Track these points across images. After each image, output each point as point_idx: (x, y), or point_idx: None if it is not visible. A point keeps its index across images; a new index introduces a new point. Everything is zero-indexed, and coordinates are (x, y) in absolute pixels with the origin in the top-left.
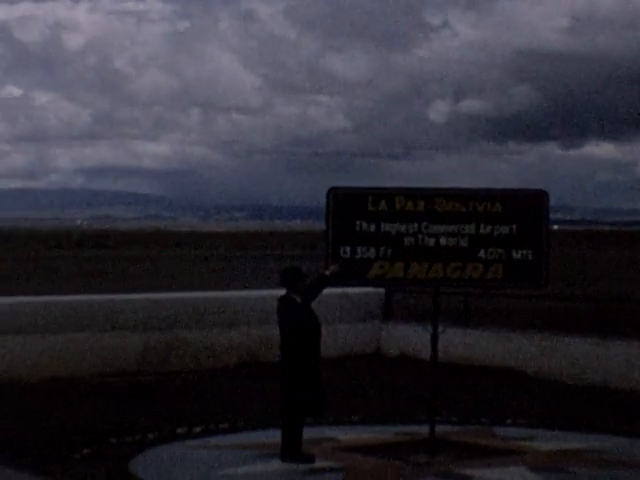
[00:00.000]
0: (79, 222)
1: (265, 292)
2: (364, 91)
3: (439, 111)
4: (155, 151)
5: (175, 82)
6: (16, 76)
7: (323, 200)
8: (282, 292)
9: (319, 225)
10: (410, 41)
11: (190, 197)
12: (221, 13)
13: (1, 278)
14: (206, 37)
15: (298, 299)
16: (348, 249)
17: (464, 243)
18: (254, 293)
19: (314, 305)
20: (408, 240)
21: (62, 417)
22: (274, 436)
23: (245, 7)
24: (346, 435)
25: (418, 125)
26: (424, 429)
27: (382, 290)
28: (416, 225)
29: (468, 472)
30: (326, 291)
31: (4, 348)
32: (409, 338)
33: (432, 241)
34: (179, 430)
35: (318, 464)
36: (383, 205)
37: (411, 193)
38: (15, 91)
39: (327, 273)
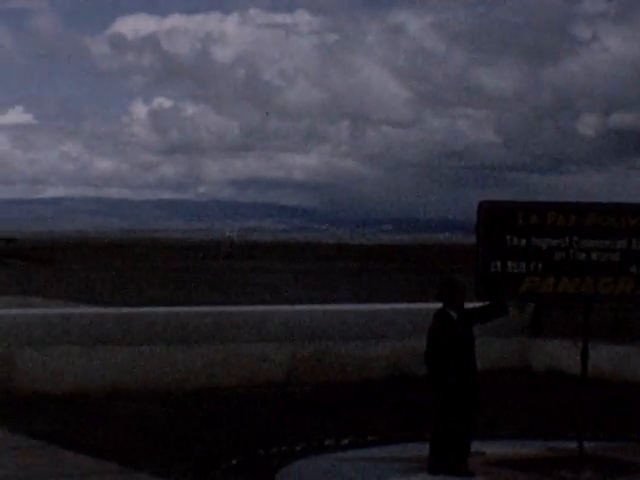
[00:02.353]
0: (228, 234)
1: (413, 305)
2: (512, 105)
3: (588, 125)
4: (304, 163)
5: (324, 95)
6: (166, 88)
7: (472, 213)
8: (431, 306)
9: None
10: (558, 55)
11: (338, 209)
12: (370, 26)
13: (152, 288)
14: (355, 50)
15: (454, 314)
16: (498, 264)
17: (615, 258)
18: (402, 306)
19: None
20: (559, 255)
21: (210, 427)
22: (421, 449)
23: (394, 20)
24: (493, 449)
25: (567, 139)
26: (572, 445)
27: (531, 304)
28: (567, 240)
29: None
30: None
31: (154, 358)
32: (558, 353)
33: (583, 256)
34: (327, 442)
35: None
36: (534, 219)
37: (562, 207)
38: (165, 102)
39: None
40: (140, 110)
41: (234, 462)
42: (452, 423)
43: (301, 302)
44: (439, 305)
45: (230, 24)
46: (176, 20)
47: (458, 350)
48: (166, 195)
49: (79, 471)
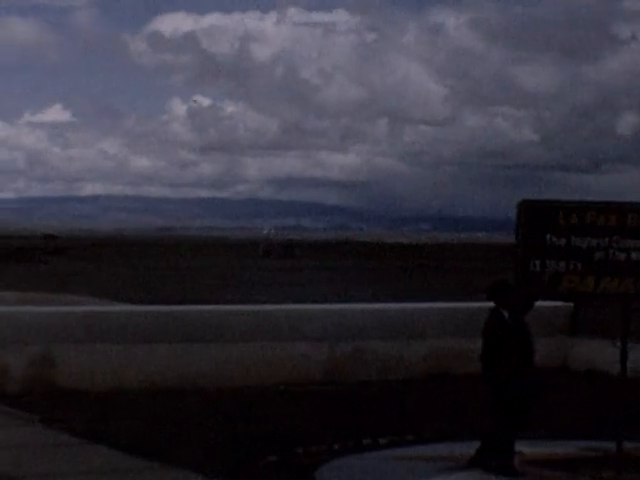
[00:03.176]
0: (266, 232)
1: (451, 304)
2: (551, 103)
3: (628, 124)
4: (342, 162)
5: (362, 93)
6: (204, 86)
7: (510, 212)
8: (469, 305)
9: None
10: (598, 53)
11: (377, 208)
12: (408, 25)
13: (190, 286)
14: (393, 48)
15: (506, 314)
16: (538, 263)
17: None
18: (440, 305)
19: None
20: (599, 254)
21: (248, 425)
22: (460, 449)
23: (432, 19)
24: (533, 449)
25: (606, 138)
26: (611, 445)
27: (570, 304)
28: (607, 240)
29: None
30: None
31: (192, 356)
32: (597, 353)
33: (623, 256)
34: (365, 441)
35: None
36: (574, 219)
37: (603, 207)
38: (204, 101)
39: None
40: (178, 108)
41: (272, 459)
42: (506, 422)
43: (339, 301)
44: (478, 304)
45: (269, 23)
46: (215, 18)
47: (512, 350)
48: (204, 193)
49: (116, 468)
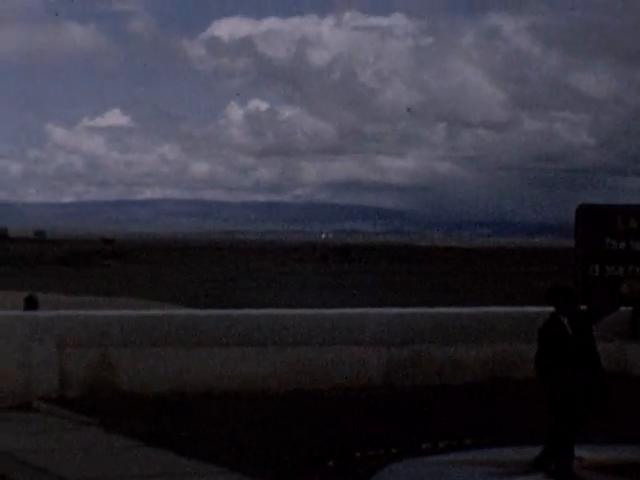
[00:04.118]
0: (324, 236)
1: (510, 308)
2: (609, 107)
3: None
4: (400, 166)
5: (420, 97)
6: (262, 90)
7: (569, 217)
8: (528, 309)
9: (564, 242)
10: None
11: (434, 212)
12: (465, 29)
13: (248, 290)
14: (450, 52)
15: (565, 320)
16: (597, 267)
17: None
18: (499, 309)
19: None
20: None
21: (306, 429)
22: (520, 453)
23: (489, 23)
24: (592, 454)
25: None
26: None
27: (629, 308)
28: None
29: None
30: None
31: (251, 360)
32: None
33: None
34: (423, 445)
35: None
36: (633, 223)
37: None
38: (261, 105)
39: None
40: (236, 113)
41: (331, 464)
42: (564, 428)
43: (397, 304)
44: (537, 309)
45: (326, 27)
46: (272, 23)
47: (570, 356)
48: (262, 197)
49: (175, 472)
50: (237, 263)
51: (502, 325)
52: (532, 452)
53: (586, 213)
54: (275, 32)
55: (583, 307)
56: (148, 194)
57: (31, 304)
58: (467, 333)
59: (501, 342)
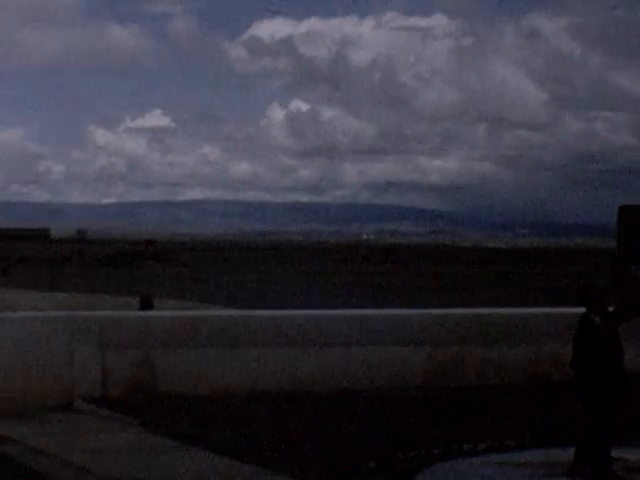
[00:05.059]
0: (365, 237)
1: (551, 309)
2: None
3: None
4: (441, 166)
5: (460, 97)
6: (302, 91)
7: (611, 217)
8: (569, 310)
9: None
10: None
11: (475, 213)
12: (505, 29)
13: (289, 290)
14: (491, 52)
15: (597, 319)
16: (638, 268)
17: None
18: (540, 310)
19: None
20: None
21: (348, 429)
22: (560, 455)
23: (529, 23)
24: (636, 456)
25: None
26: None
27: None
28: None
29: None
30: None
31: (294, 360)
32: None
33: None
34: (465, 446)
35: None
36: None
37: None
38: (302, 106)
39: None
40: (277, 113)
41: (372, 465)
42: (601, 429)
43: (439, 305)
44: (578, 310)
45: (366, 27)
46: (312, 24)
47: (604, 355)
48: (303, 198)
49: (217, 472)
50: (277, 263)
51: (542, 326)
52: (572, 454)
53: (627, 213)
54: (316, 33)
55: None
56: (190, 195)
57: (146, 304)
58: (508, 334)
59: (541, 343)
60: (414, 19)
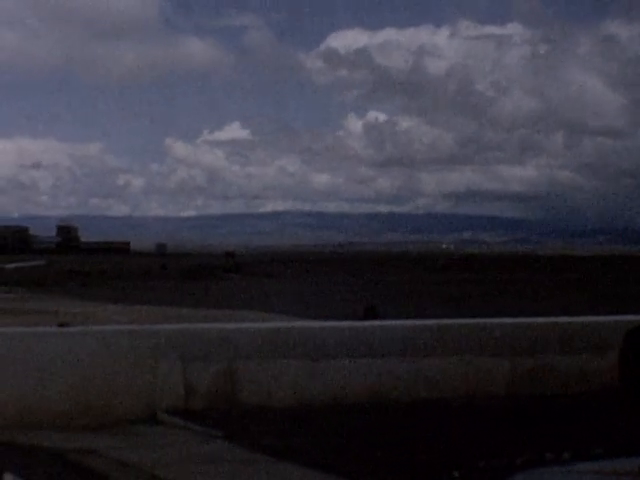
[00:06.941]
0: (444, 246)
1: (633, 317)
2: None
3: None
4: (520, 175)
5: (538, 105)
6: (379, 101)
7: None
8: None
9: None
10: None
11: (555, 221)
12: (581, 36)
13: (368, 300)
14: (568, 60)
15: None
16: None
17: None
18: (623, 318)
19: None
20: None
21: (431, 439)
22: None
23: (605, 30)
24: None
25: None
26: None
27: None
28: None
29: None
30: None
31: (375, 371)
32: None
33: None
34: (547, 455)
35: None
36: None
37: None
38: (379, 116)
39: None
40: (354, 124)
41: (456, 474)
42: None
43: (521, 313)
44: None
45: (442, 37)
46: (388, 34)
47: None
48: (382, 208)
49: None
50: (355, 274)
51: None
52: None
53: None
54: (391, 43)
55: None
56: (269, 207)
57: (371, 313)
58: (591, 342)
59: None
60: (489, 27)
